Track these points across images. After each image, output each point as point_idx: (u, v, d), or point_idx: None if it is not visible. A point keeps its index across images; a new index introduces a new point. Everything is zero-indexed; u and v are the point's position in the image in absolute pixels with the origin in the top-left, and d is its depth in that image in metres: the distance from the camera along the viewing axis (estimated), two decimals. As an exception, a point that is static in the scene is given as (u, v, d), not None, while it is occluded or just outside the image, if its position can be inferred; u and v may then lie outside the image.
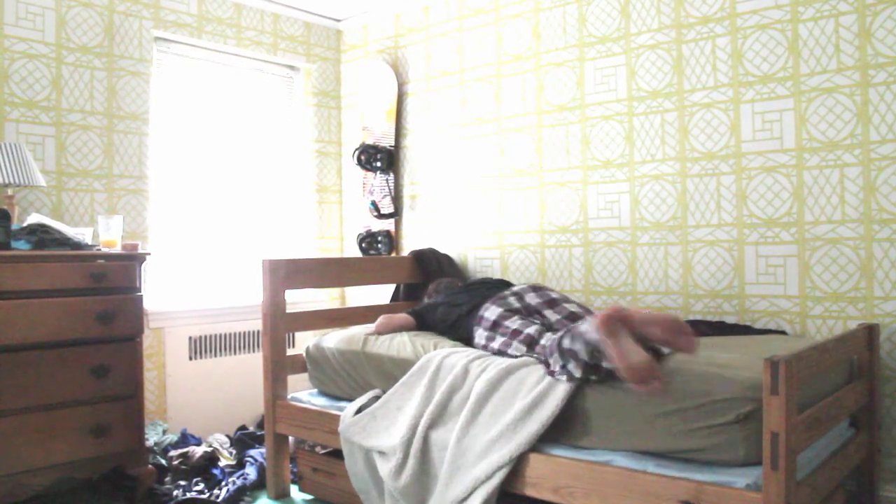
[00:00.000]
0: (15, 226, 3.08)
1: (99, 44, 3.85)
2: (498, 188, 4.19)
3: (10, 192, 3.28)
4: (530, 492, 2.47)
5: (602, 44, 3.76)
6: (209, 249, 4.39)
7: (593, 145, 3.79)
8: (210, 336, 4.23)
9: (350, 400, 3.17)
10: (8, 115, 3.52)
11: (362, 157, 4.65)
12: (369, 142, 4.72)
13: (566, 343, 2.44)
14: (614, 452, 2.34)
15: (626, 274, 3.67)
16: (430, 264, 4.19)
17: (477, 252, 4.27)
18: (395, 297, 4.35)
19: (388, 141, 4.68)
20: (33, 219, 3.15)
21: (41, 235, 3.06)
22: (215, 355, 4.24)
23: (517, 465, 2.47)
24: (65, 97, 3.71)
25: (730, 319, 3.33)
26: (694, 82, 3.45)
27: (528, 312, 3.01)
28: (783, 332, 3.13)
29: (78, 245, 3.15)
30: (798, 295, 3.17)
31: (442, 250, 4.34)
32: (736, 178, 3.33)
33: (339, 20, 5.01)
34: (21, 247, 2.99)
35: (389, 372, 3.06)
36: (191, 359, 4.14)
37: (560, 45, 3.93)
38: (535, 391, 2.50)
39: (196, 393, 4.12)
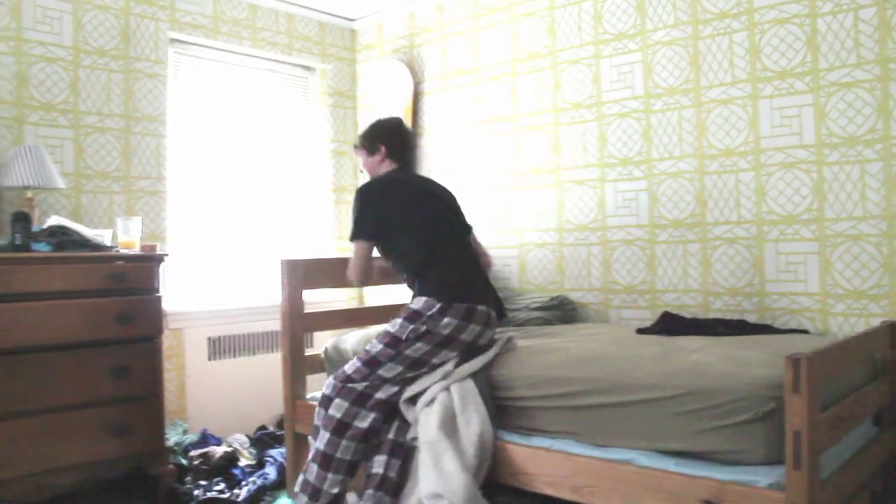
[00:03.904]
0: (35, 228, 3.11)
1: (115, 46, 3.87)
2: (515, 186, 4.19)
3: (29, 194, 3.31)
4: (549, 490, 2.47)
5: (618, 41, 3.75)
6: (227, 250, 4.41)
7: (610, 143, 3.78)
8: (229, 336, 4.25)
9: None
10: (27, 118, 3.55)
11: (380, 156, 4.63)
12: None
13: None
14: (635, 451, 2.33)
15: (644, 272, 3.66)
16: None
17: (495, 252, 4.23)
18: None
19: None
20: (53, 221, 3.17)
21: (61, 237, 3.09)
22: (234, 356, 4.26)
23: (535, 463, 2.48)
24: (82, 100, 3.74)
25: (750, 318, 3.31)
26: (711, 78, 3.44)
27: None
28: (805, 331, 3.10)
29: (97, 246, 3.18)
30: (819, 292, 3.14)
31: None
32: (755, 174, 3.31)
33: (353, 20, 5.02)
34: (41, 249, 3.02)
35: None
36: (210, 359, 4.16)
37: (576, 42, 3.92)
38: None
39: (215, 393, 4.15)
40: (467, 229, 3.21)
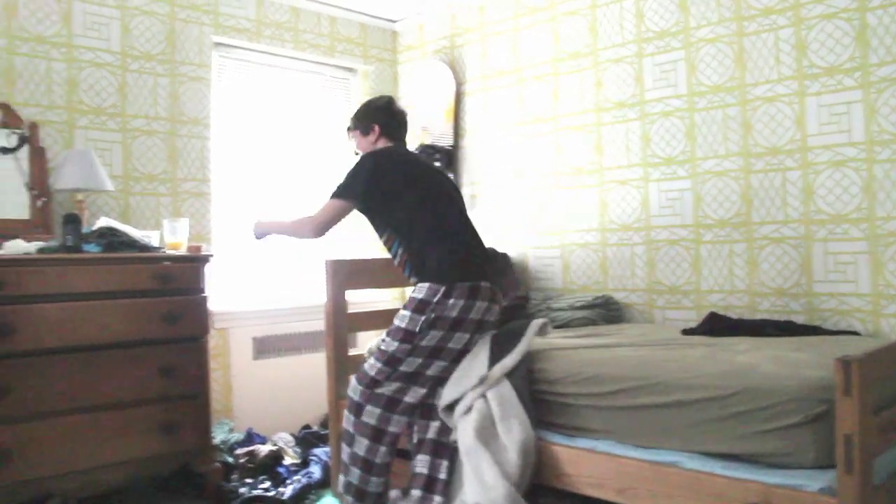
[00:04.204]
0: (85, 229, 3.17)
1: (161, 51, 3.94)
2: (557, 186, 4.17)
3: (80, 196, 3.39)
4: (593, 492, 2.46)
5: (660, 39, 3.71)
6: (271, 250, 4.45)
7: (654, 142, 3.74)
8: (273, 336, 4.30)
9: None
10: (77, 122, 3.63)
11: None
12: (428, 142, 4.74)
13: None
14: (680, 453, 2.30)
15: (689, 272, 3.62)
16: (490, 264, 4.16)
17: (537, 251, 4.26)
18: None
19: (446, 141, 4.69)
20: (102, 222, 3.24)
21: (110, 238, 3.15)
22: (279, 355, 4.31)
23: (579, 464, 2.46)
24: (129, 103, 3.81)
25: (798, 319, 3.25)
26: (757, 76, 3.38)
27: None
28: (855, 333, 3.04)
29: (145, 247, 3.24)
30: (870, 293, 3.08)
31: (502, 249, 4.32)
32: (802, 173, 3.26)
33: (394, 21, 5.04)
34: (92, 250, 3.09)
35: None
36: (255, 358, 4.22)
37: (617, 41, 3.89)
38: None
39: (261, 392, 4.20)
40: (466, 214, 3.05)
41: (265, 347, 4.26)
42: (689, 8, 3.60)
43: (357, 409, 2.75)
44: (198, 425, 3.23)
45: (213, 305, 3.88)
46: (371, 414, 2.73)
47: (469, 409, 2.65)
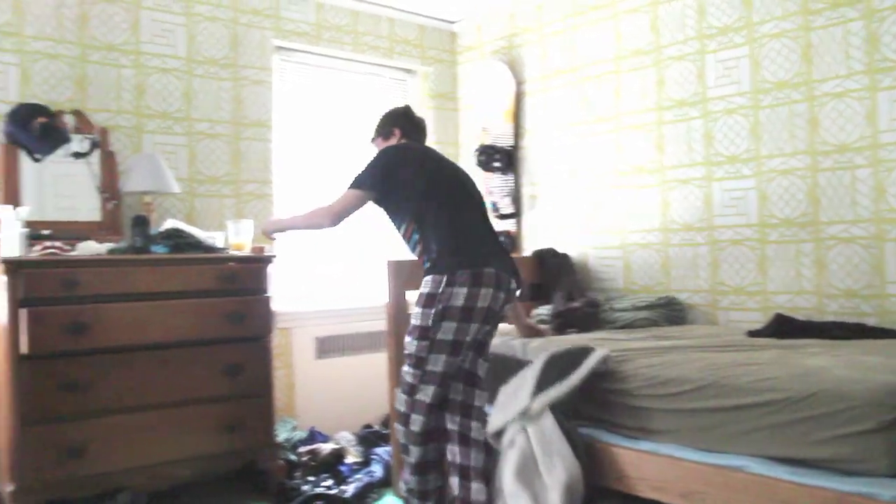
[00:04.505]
0: (153, 231, 3.25)
1: (224, 56, 4.01)
2: (617, 186, 4.12)
3: (148, 199, 3.47)
4: (656, 495, 2.43)
5: (723, 35, 3.64)
6: (333, 251, 4.50)
7: (717, 140, 3.67)
8: (336, 336, 4.35)
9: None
10: (145, 127, 3.72)
11: (482, 158, 4.66)
12: (488, 142, 4.73)
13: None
14: (746, 458, 2.25)
15: (754, 273, 3.54)
16: (550, 264, 4.16)
17: (598, 252, 4.22)
18: (519, 299, 4.32)
19: (506, 141, 4.67)
20: (169, 224, 3.31)
21: (177, 240, 3.22)
22: (341, 355, 4.35)
23: (641, 467, 2.43)
24: (194, 108, 3.89)
25: (869, 321, 3.15)
26: (825, 71, 3.30)
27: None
28: (929, 334, 2.94)
29: (210, 248, 3.30)
30: (945, 293, 2.98)
31: (562, 250, 4.29)
32: (873, 170, 3.16)
33: (452, 22, 5.05)
34: (159, 250, 3.16)
35: (503, 378, 3.03)
36: (317, 358, 4.27)
37: (679, 37, 3.83)
38: None
39: (323, 392, 4.25)
40: (484, 210, 3.06)
41: (327, 347, 4.31)
42: (752, 3, 3.53)
43: (405, 420, 2.75)
44: (262, 424, 3.28)
45: (276, 305, 3.94)
46: (417, 422, 2.71)
47: (512, 443, 2.61)
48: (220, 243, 3.41)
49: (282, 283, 4.15)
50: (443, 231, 2.80)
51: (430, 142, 4.92)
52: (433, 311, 2.68)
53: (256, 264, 3.33)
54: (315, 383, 4.24)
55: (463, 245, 2.77)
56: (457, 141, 5.09)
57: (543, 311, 3.85)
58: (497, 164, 4.63)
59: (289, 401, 4.13)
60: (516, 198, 4.66)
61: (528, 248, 4.57)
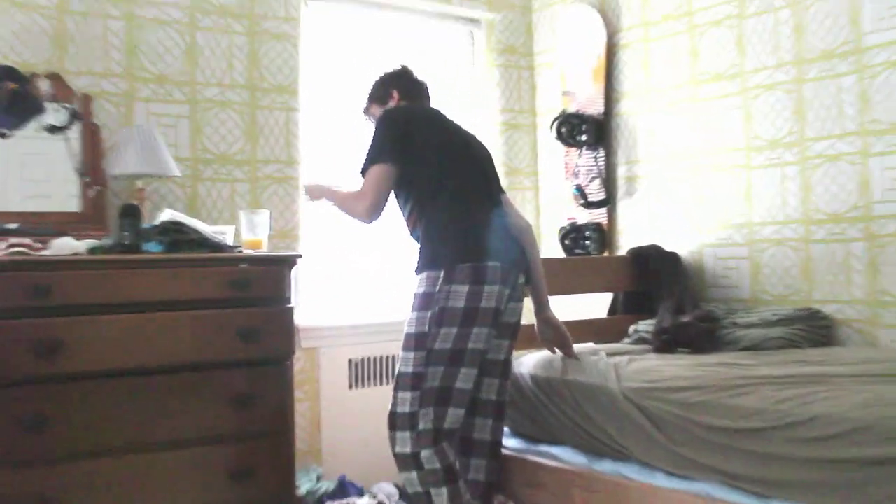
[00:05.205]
0: (145, 224, 3.24)
1: (238, 3, 4.01)
2: (744, 165, 4.01)
3: (139, 184, 3.48)
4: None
5: (888, -37, 3.50)
6: (372, 251, 4.47)
7: (875, 102, 3.54)
8: (374, 358, 4.32)
9: (552, 442, 3.18)
10: (137, 93, 3.74)
11: (563, 130, 4.62)
12: (572, 109, 4.69)
13: None
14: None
15: (927, 278, 3.41)
16: (654, 266, 4.11)
17: (717, 250, 4.13)
18: (612, 311, 4.31)
19: (595, 108, 4.63)
20: (166, 215, 3.30)
21: (175, 235, 3.21)
22: (381, 383, 4.31)
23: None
24: (200, 69, 3.90)
25: None
26: None
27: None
28: None
29: (217, 246, 3.28)
30: None
31: (669, 248, 4.23)
32: None
33: (528, -44, 5.01)
34: (152, 249, 3.15)
35: (585, 411, 3.03)
36: (351, 387, 4.24)
37: (827, -33, 3.71)
38: None
39: (357, 430, 4.20)
40: (499, 185, 3.27)
41: (364, 373, 4.28)
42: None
43: (413, 462, 2.80)
44: (278, 471, 3.24)
45: (300, 319, 3.91)
46: (429, 459, 2.78)
47: None
48: (230, 240, 3.41)
49: (308, 291, 4.13)
50: (443, 215, 2.94)
51: (496, 109, 4.88)
52: (428, 314, 2.82)
53: (276, 267, 3.30)
54: (348, 419, 4.21)
55: (464, 233, 2.90)
56: (532, 108, 5.05)
57: (644, 326, 3.82)
58: (583, 138, 4.58)
59: (314, 442, 4.11)
60: (608, 181, 4.61)
61: (623, 245, 4.52)
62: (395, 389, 2.87)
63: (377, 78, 3.39)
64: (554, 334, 3.29)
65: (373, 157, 2.99)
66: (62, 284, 2.87)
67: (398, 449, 2.85)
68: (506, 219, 3.10)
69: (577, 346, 3.37)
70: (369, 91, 3.38)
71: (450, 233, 2.89)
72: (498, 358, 2.96)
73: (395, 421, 2.85)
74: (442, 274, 2.81)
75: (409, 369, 2.82)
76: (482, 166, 3.16)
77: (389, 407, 2.87)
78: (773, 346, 3.47)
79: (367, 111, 3.40)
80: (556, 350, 3.30)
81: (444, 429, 2.81)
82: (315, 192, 3.26)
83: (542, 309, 3.30)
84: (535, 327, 3.32)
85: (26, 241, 2.99)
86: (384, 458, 4.16)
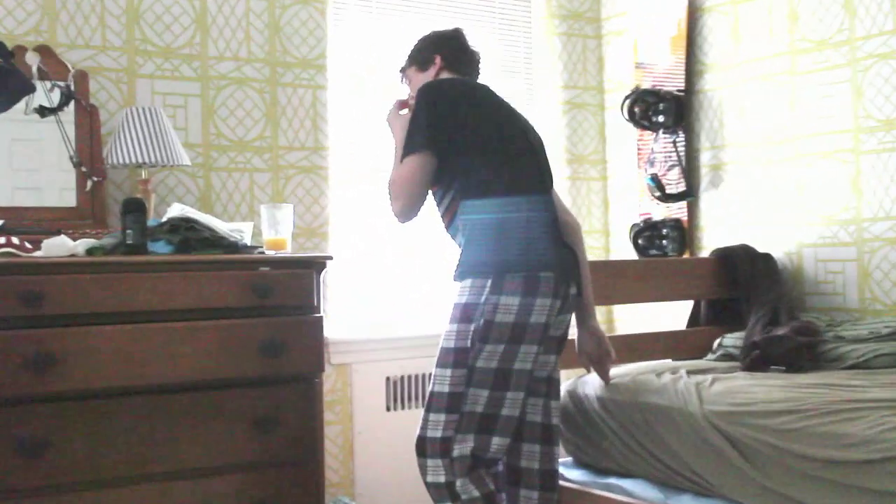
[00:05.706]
0: (152, 221, 3.28)
1: (258, -37, 4.05)
2: (851, 150, 3.99)
3: (144, 174, 3.50)
4: None
5: None
6: (413, 253, 4.48)
7: None
8: (415, 377, 4.34)
9: (621, 474, 3.18)
10: (140, 68, 3.77)
11: (636, 110, 4.62)
12: (646, 85, 4.69)
13: None
14: None
15: None
16: (743, 270, 4.08)
17: (819, 251, 4.11)
18: (693, 320, 4.30)
19: (675, 83, 4.63)
20: (175, 211, 3.34)
21: (185, 234, 3.23)
22: (422, 404, 4.29)
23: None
24: (213, 40, 3.93)
25: None
26: None
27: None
28: None
29: (233, 247, 3.31)
30: None
31: (761, 248, 4.21)
32: None
33: None
34: (160, 250, 3.18)
35: (660, 438, 3.03)
36: (388, 409, 4.27)
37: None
38: None
39: (395, 459, 4.21)
40: (551, 179, 3.23)
41: (404, 393, 4.31)
42: None
43: (449, 493, 2.79)
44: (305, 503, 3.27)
45: (330, 331, 3.93)
46: (465, 488, 2.78)
47: None
48: (248, 239, 3.43)
49: (339, 299, 4.15)
50: (493, 215, 2.89)
51: (556, 86, 4.87)
52: (472, 327, 2.78)
53: (302, 270, 3.32)
54: (384, 446, 4.22)
55: (516, 237, 2.86)
56: (599, 84, 5.05)
57: (731, 340, 3.81)
58: (659, 119, 4.58)
59: (345, 471, 4.14)
60: (689, 169, 4.60)
61: (707, 245, 4.51)
62: (427, 411, 2.86)
63: (423, 35, 3.36)
64: (596, 348, 3.27)
65: (410, 145, 2.96)
66: (56, 291, 2.90)
67: (430, 478, 2.84)
68: (558, 219, 3.07)
69: (652, 364, 3.37)
70: (410, 49, 3.36)
71: (500, 235, 2.86)
72: (542, 375, 2.94)
73: (426, 447, 2.83)
74: (489, 283, 2.78)
75: (446, 389, 2.80)
76: (538, 157, 3.13)
77: (418, 431, 2.85)
78: (884, 365, 3.43)
79: (403, 71, 3.39)
80: (591, 368, 3.33)
81: (485, 458, 2.83)
82: (396, 123, 3.18)
83: (587, 319, 3.28)
84: (576, 338, 3.30)
85: (14, 240, 3.01)
86: (425, 490, 4.22)
